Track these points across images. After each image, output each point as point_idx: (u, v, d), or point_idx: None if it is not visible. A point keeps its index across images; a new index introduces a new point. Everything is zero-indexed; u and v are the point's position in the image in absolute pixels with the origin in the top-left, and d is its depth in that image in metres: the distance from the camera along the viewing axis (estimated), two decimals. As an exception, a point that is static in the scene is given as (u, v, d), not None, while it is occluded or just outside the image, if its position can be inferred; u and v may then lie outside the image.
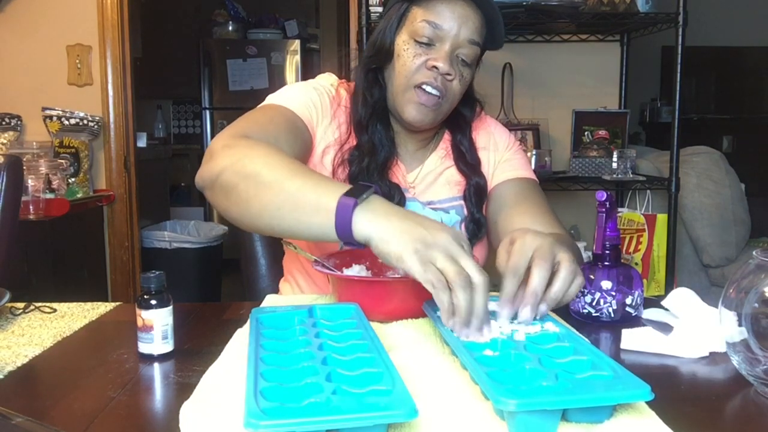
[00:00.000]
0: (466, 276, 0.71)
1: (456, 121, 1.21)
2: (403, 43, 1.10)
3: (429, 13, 1.07)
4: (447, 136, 1.24)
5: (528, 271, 0.79)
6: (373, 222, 0.77)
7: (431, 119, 1.12)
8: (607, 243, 0.95)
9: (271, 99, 1.12)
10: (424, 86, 1.08)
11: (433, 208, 1.18)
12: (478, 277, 0.72)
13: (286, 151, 0.96)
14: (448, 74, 1.07)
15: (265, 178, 0.85)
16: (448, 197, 1.19)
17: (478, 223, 1.18)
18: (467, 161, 1.20)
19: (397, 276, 0.93)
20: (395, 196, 1.13)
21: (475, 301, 0.72)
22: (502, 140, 1.25)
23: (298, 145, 1.06)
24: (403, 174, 1.19)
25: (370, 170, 1.11)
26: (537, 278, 0.77)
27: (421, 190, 1.19)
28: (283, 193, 0.83)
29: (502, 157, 1.23)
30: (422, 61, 1.08)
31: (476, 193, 1.18)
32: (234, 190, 0.87)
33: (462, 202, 1.19)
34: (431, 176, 1.20)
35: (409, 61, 1.09)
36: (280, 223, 0.85)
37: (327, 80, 1.21)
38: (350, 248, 1.06)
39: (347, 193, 0.79)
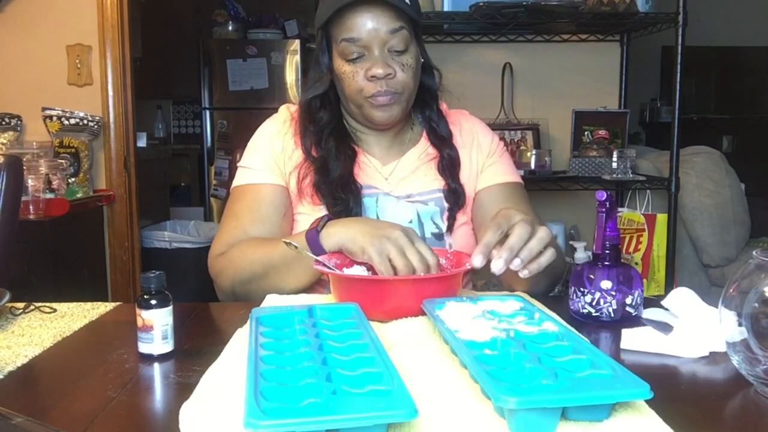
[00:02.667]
0: (411, 267, 0.91)
1: (421, 96, 1.23)
2: (339, 66, 1.14)
3: (343, 30, 1.11)
4: (426, 134, 1.26)
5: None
6: (336, 234, 0.99)
7: (398, 112, 1.16)
8: (607, 243, 0.95)
9: (239, 178, 1.22)
10: (375, 97, 1.12)
11: (410, 201, 1.20)
12: (417, 264, 0.91)
13: (267, 228, 1.15)
14: (389, 74, 1.11)
15: (258, 271, 1.08)
16: (427, 190, 1.21)
17: (456, 193, 1.20)
18: (438, 134, 1.24)
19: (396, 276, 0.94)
20: (350, 200, 1.15)
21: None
22: (485, 141, 1.27)
23: (274, 209, 1.18)
24: (375, 168, 1.22)
25: (328, 185, 1.16)
26: (515, 236, 0.86)
27: (397, 182, 1.21)
28: (275, 269, 1.06)
29: (487, 161, 1.26)
30: (362, 75, 1.12)
31: (450, 164, 1.22)
32: (250, 293, 1.10)
33: (441, 195, 1.21)
34: (409, 169, 1.22)
35: (351, 81, 1.13)
36: (290, 284, 1.07)
37: (280, 118, 1.26)
38: None
39: (309, 230, 1.01)
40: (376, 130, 1.22)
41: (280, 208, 1.18)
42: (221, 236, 1.17)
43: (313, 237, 1.00)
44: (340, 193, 1.15)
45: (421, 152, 1.24)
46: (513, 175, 1.26)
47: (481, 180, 1.24)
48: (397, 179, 1.21)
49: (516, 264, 0.85)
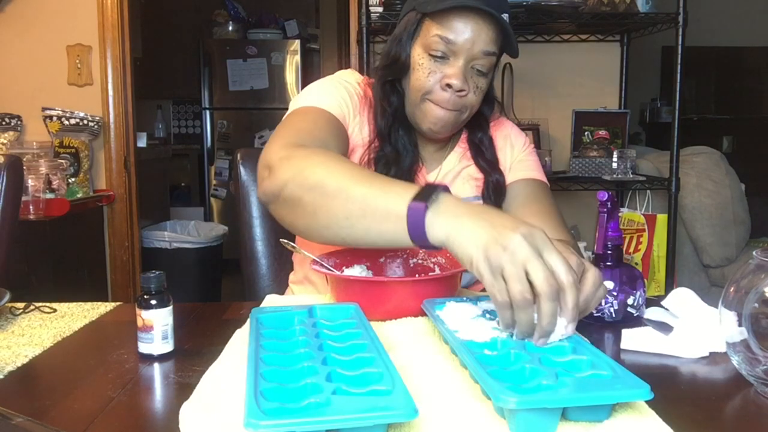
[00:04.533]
0: (528, 297, 0.67)
1: (476, 120, 1.20)
2: (417, 57, 1.09)
3: (442, 27, 1.05)
4: (464, 135, 1.24)
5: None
6: (446, 225, 0.74)
7: (448, 130, 1.14)
8: (609, 243, 0.95)
9: (303, 101, 1.10)
10: (438, 106, 1.08)
11: None
12: (544, 286, 0.66)
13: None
14: (462, 90, 1.06)
15: (329, 187, 0.83)
16: (466, 196, 1.19)
17: None
18: (486, 158, 1.20)
19: (396, 277, 0.93)
20: None
21: (540, 313, 0.68)
22: (518, 142, 1.26)
23: (344, 146, 1.06)
24: (424, 175, 1.19)
25: (396, 178, 1.08)
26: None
27: None
28: (349, 201, 0.82)
29: (517, 156, 1.24)
30: (436, 78, 1.07)
31: (495, 190, 1.19)
32: (299, 203, 0.86)
33: (480, 202, 1.19)
34: (450, 176, 1.21)
35: (423, 77, 1.07)
36: (351, 232, 0.83)
37: (352, 77, 1.19)
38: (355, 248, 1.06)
39: (416, 197, 0.76)
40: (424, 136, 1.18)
41: (342, 143, 1.06)
42: (281, 140, 0.96)
43: (417, 215, 0.75)
44: None
45: (460, 156, 1.22)
46: (539, 173, 1.24)
47: (509, 176, 1.22)
48: None
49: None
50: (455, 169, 1.21)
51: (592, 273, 0.76)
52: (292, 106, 1.11)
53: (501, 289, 0.68)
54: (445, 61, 1.06)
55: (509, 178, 1.22)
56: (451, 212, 0.75)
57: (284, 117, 1.08)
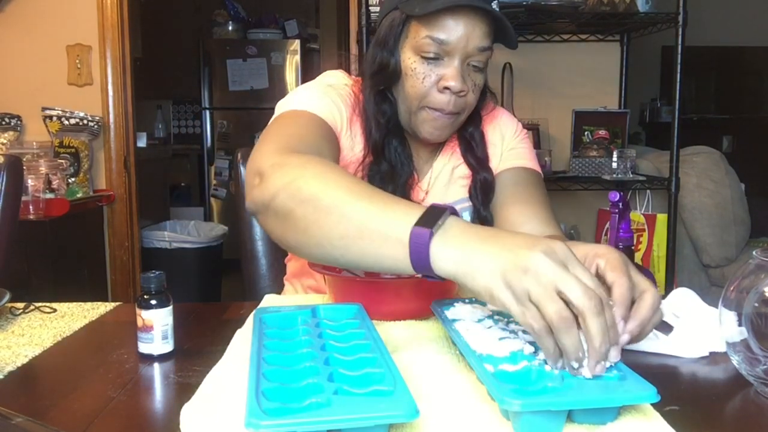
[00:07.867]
0: (567, 315, 0.58)
1: (469, 115, 1.13)
2: (408, 61, 1.03)
3: (432, 27, 0.99)
4: (456, 140, 1.20)
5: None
6: (454, 255, 0.65)
7: (448, 134, 1.10)
8: (620, 244, 0.94)
9: (291, 105, 1.02)
10: (436, 110, 1.03)
11: None
12: (584, 301, 0.58)
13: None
14: (461, 91, 1.01)
15: (323, 202, 0.74)
16: (461, 198, 1.16)
17: (485, 221, 1.13)
18: (476, 155, 1.15)
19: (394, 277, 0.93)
20: None
21: (588, 333, 0.58)
22: (508, 130, 1.20)
23: (336, 153, 1.00)
24: (417, 182, 1.15)
25: (393, 192, 1.04)
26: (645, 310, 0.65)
27: (434, 195, 1.15)
28: (345, 219, 0.72)
29: (507, 145, 1.19)
30: (432, 81, 1.01)
31: (483, 189, 1.14)
32: (290, 216, 0.77)
33: (469, 204, 1.16)
34: (442, 179, 1.17)
35: (418, 82, 1.02)
36: (344, 253, 0.73)
37: (340, 80, 1.13)
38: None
39: (420, 222, 0.67)
40: (417, 142, 1.14)
41: (335, 150, 0.99)
42: (271, 144, 0.88)
43: (421, 243, 0.66)
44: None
45: (449, 156, 1.17)
46: (531, 161, 1.18)
47: (500, 165, 1.17)
48: (433, 191, 1.15)
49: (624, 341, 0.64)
50: (445, 171, 1.16)
51: (650, 294, 0.66)
52: (279, 109, 1.04)
53: (534, 315, 0.59)
54: (439, 62, 1.01)
55: (500, 167, 1.16)
56: (459, 240, 0.65)
57: (271, 120, 1.02)
